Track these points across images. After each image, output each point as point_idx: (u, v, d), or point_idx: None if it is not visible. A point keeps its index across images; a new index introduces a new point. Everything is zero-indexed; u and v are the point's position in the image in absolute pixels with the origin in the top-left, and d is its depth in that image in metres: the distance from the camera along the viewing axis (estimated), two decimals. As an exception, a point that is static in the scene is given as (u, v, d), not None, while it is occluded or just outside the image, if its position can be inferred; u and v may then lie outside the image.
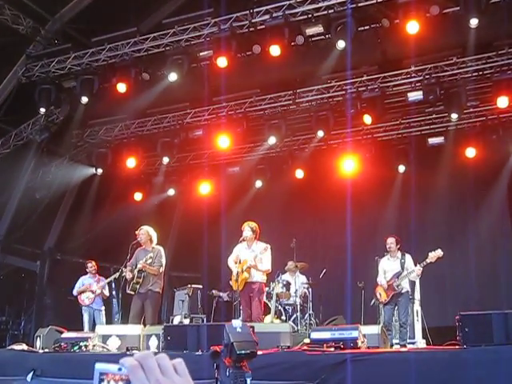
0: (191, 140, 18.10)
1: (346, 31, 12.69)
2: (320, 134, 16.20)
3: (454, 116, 15.08)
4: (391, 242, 13.07)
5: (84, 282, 15.54)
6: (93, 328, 14.35)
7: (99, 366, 1.51)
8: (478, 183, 16.97)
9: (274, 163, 18.60)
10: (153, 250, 12.77)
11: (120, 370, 1.47)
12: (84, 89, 15.29)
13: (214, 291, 16.84)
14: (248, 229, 12.52)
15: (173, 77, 14.46)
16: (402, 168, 17.11)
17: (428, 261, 12.45)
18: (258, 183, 18.93)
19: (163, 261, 12.88)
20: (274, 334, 10.16)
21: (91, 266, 15.61)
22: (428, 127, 16.79)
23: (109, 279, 15.44)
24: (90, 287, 15.33)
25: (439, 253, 12.40)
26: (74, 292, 15.45)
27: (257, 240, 12.61)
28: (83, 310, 15.26)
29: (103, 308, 15.54)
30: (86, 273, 15.66)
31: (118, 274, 14.51)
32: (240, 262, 12.27)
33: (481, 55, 14.36)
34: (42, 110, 15.69)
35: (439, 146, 16.63)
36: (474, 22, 11.96)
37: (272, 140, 16.80)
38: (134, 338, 11.19)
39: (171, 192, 20.01)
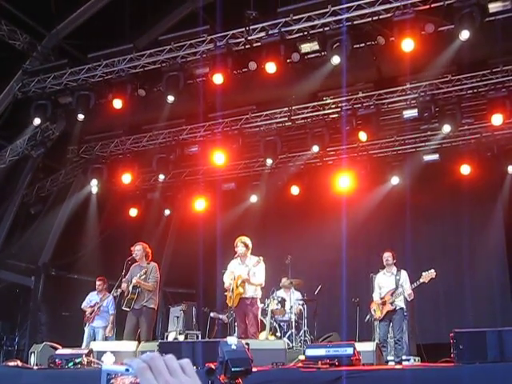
0: (187, 156, 18.12)
1: (342, 48, 12.75)
2: (315, 148, 16.21)
3: (446, 128, 15.06)
4: (388, 255, 13.10)
5: (91, 298, 15.32)
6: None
7: (106, 367, 1.52)
8: (472, 200, 17.00)
9: (270, 180, 18.64)
10: (147, 266, 12.77)
11: (127, 370, 1.47)
12: (80, 105, 15.29)
13: (212, 313, 16.74)
14: (241, 244, 12.50)
15: (171, 98, 14.53)
16: (395, 180, 17.19)
17: (421, 280, 12.52)
18: (254, 199, 18.93)
19: (157, 276, 12.87)
20: (269, 351, 10.12)
21: (98, 283, 15.37)
22: (423, 144, 16.84)
23: (110, 296, 15.18)
24: (92, 306, 15.19)
25: (432, 273, 12.46)
26: (82, 306, 15.26)
27: (250, 254, 12.61)
28: (85, 326, 15.16)
29: (107, 328, 15.21)
30: (95, 289, 15.51)
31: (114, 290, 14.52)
32: (234, 278, 12.27)
33: (475, 73, 14.45)
34: (37, 120, 15.55)
35: (434, 163, 16.67)
36: (465, 35, 11.97)
37: (269, 161, 16.91)
38: (129, 355, 11.13)
39: (167, 212, 20.16)
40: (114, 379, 1.51)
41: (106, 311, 15.16)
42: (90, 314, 15.06)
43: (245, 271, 12.31)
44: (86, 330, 15.07)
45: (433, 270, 12.47)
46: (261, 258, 12.35)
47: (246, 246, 12.51)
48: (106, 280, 15.50)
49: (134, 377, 1.46)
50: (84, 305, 15.29)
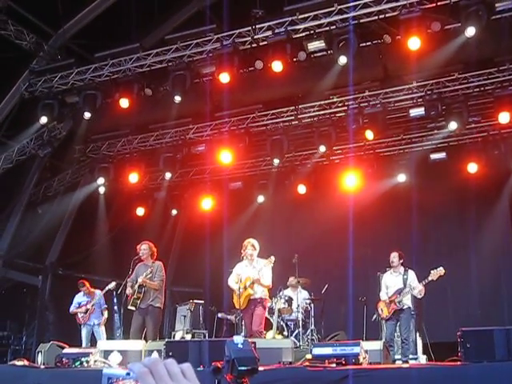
0: (193, 155, 18.13)
1: (348, 47, 12.73)
2: (322, 148, 16.19)
3: (453, 127, 14.99)
4: (394, 256, 13.08)
5: (79, 301, 15.58)
6: (92, 344, 14.38)
7: (107, 371, 1.53)
8: (479, 198, 16.97)
9: (276, 178, 18.62)
10: (152, 265, 12.76)
11: (128, 374, 1.48)
12: (87, 104, 15.32)
13: (220, 314, 16.70)
14: (250, 247, 12.42)
15: (178, 98, 14.52)
16: (402, 179, 17.19)
17: (430, 278, 12.44)
18: (260, 198, 18.92)
19: (163, 275, 12.87)
20: (276, 350, 10.12)
21: (83, 288, 15.64)
22: (430, 143, 16.81)
23: (103, 291, 15.35)
24: (83, 307, 15.40)
25: (441, 270, 12.39)
26: (71, 310, 15.56)
27: (257, 257, 12.54)
28: (81, 326, 15.30)
29: (101, 322, 15.46)
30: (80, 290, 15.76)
31: (112, 285, 14.66)
32: (242, 280, 12.20)
33: (482, 71, 14.41)
34: (44, 118, 15.55)
35: (441, 161, 16.65)
36: (470, 32, 11.92)
37: (276, 161, 16.90)
38: (136, 354, 11.14)
39: (174, 211, 20.21)
40: (115, 383, 1.51)
41: (99, 307, 15.55)
42: (85, 313, 15.24)
43: (253, 273, 12.23)
44: (84, 329, 15.24)
45: (441, 268, 12.41)
46: (272, 257, 12.26)
47: (255, 248, 12.45)
48: (85, 282, 15.77)
49: (134, 381, 1.47)
50: (72, 309, 15.55)
